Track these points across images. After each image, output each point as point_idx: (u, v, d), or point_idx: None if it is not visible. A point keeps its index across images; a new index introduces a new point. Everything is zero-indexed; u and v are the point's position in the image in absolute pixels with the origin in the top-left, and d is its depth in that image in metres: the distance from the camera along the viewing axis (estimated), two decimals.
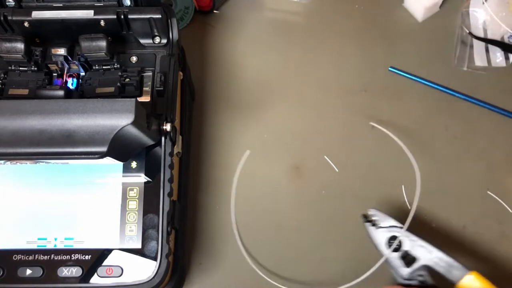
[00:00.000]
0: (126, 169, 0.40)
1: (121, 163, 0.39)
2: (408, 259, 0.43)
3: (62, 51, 0.41)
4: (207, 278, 0.50)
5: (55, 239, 0.39)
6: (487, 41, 0.58)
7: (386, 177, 0.53)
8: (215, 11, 0.61)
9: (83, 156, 0.32)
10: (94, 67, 0.41)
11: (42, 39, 0.42)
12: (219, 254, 0.50)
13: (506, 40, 0.58)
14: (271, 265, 0.50)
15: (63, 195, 0.40)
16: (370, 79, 0.58)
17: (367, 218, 0.45)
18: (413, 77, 0.57)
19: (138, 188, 0.39)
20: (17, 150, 0.32)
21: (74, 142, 0.32)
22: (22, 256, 0.38)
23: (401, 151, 0.55)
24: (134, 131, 0.34)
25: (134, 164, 0.40)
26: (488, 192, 0.53)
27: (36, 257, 0.38)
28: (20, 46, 0.39)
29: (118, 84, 0.40)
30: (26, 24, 0.40)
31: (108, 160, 0.34)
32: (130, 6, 0.41)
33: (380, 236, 0.44)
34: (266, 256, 0.50)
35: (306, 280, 0.49)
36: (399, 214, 0.52)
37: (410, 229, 0.51)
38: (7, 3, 0.41)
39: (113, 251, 0.38)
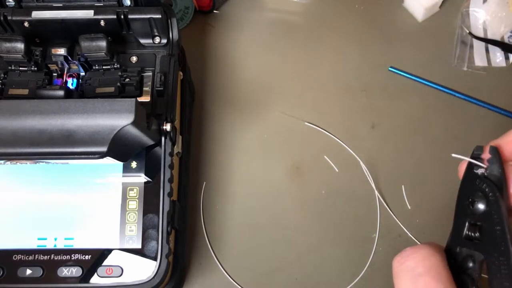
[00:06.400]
0: (126, 169, 0.40)
1: (121, 163, 0.39)
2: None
3: (62, 51, 0.41)
4: (207, 278, 0.50)
5: (55, 239, 0.39)
6: (487, 41, 0.58)
7: (386, 177, 0.53)
8: (215, 11, 0.61)
9: (83, 156, 0.32)
10: (94, 67, 0.41)
11: (42, 39, 0.42)
12: (219, 254, 0.50)
13: (506, 40, 0.58)
14: (271, 264, 0.50)
15: (63, 195, 0.40)
16: (370, 79, 0.58)
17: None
18: (413, 77, 0.57)
19: (138, 188, 0.39)
20: (17, 150, 0.32)
21: (74, 142, 0.32)
22: (22, 256, 0.38)
23: (400, 151, 0.55)
24: (134, 131, 0.34)
25: (134, 164, 0.39)
26: None
27: (36, 257, 0.38)
28: (20, 46, 0.39)
29: (118, 84, 0.40)
30: (26, 24, 0.40)
31: (108, 160, 0.34)
32: (130, 6, 0.41)
33: None
34: (266, 255, 0.50)
35: (305, 280, 0.49)
36: (399, 214, 0.52)
37: (410, 230, 0.51)
38: (7, 3, 0.41)
39: (113, 251, 0.38)
